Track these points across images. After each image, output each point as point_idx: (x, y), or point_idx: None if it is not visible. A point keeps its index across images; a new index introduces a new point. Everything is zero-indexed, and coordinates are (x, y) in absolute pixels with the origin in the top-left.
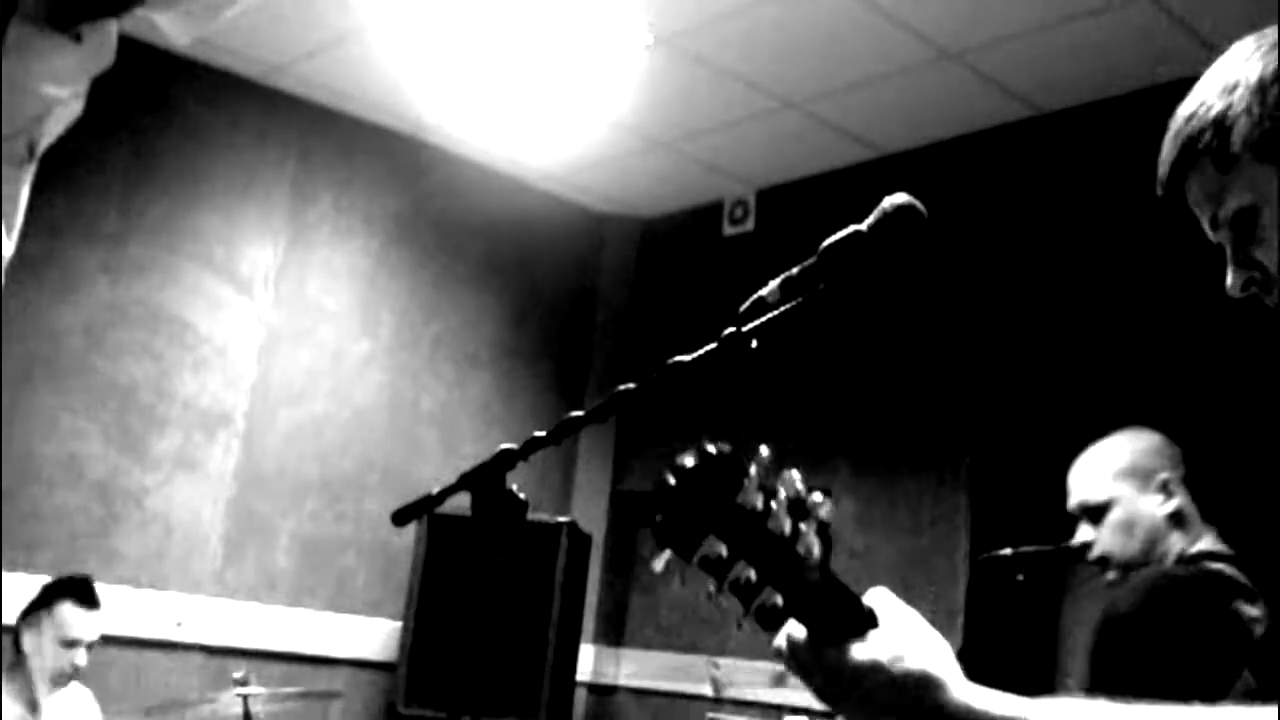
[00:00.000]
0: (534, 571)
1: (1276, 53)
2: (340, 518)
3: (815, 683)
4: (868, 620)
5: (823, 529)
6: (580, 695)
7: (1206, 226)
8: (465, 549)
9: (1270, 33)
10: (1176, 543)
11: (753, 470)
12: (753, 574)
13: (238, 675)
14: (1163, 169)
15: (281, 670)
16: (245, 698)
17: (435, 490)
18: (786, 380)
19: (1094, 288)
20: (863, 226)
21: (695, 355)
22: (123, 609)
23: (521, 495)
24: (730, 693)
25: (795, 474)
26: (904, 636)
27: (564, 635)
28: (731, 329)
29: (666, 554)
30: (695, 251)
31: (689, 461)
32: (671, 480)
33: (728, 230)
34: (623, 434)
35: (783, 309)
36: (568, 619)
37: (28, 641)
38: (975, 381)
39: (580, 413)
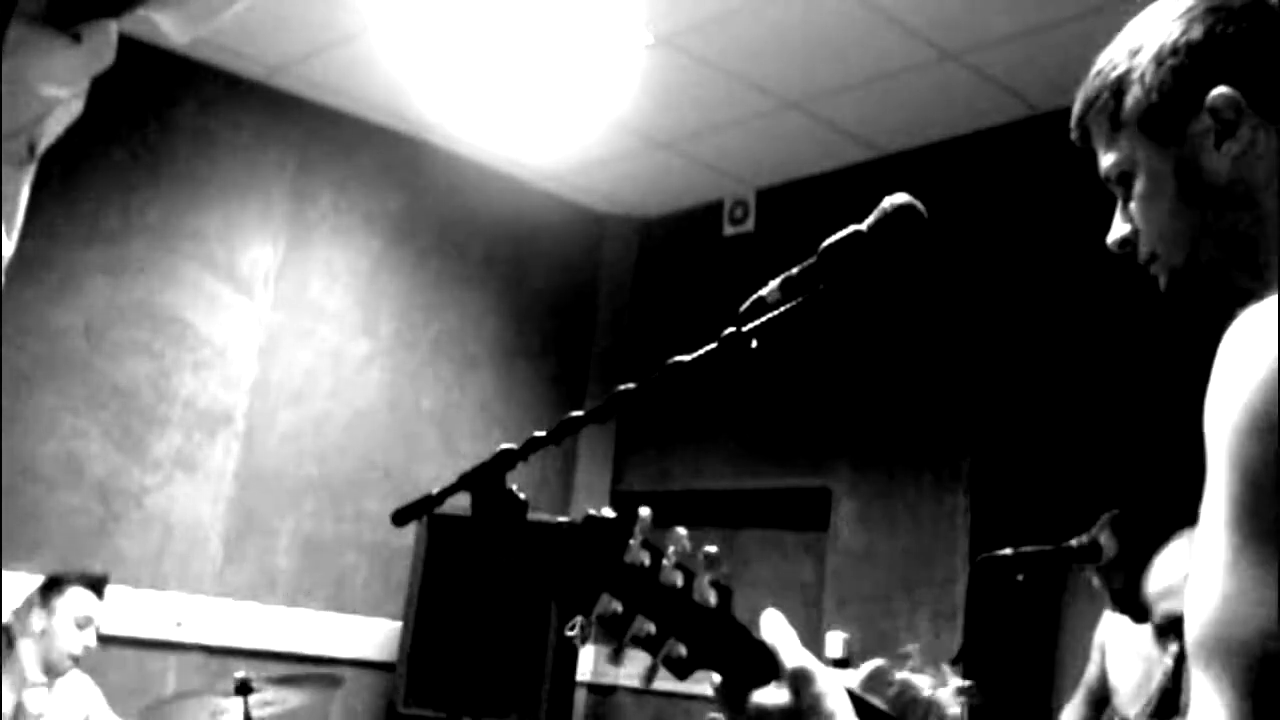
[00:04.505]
0: (534, 571)
1: (1188, 20)
2: (340, 518)
3: None
4: (771, 665)
5: (716, 579)
6: (580, 695)
7: (1103, 176)
8: (465, 549)
9: None
10: None
11: (636, 530)
12: (653, 627)
13: (238, 675)
14: (1073, 115)
15: (281, 670)
16: (246, 698)
17: (435, 490)
18: (786, 380)
19: (1094, 287)
20: (863, 226)
21: (695, 355)
22: (123, 609)
23: (521, 495)
24: None
25: (682, 530)
26: (814, 682)
27: (564, 635)
28: (731, 329)
29: (579, 620)
30: (695, 251)
31: (574, 527)
32: (557, 547)
33: (728, 230)
34: (623, 434)
35: (783, 309)
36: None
37: (40, 621)
38: (975, 381)
39: (580, 413)
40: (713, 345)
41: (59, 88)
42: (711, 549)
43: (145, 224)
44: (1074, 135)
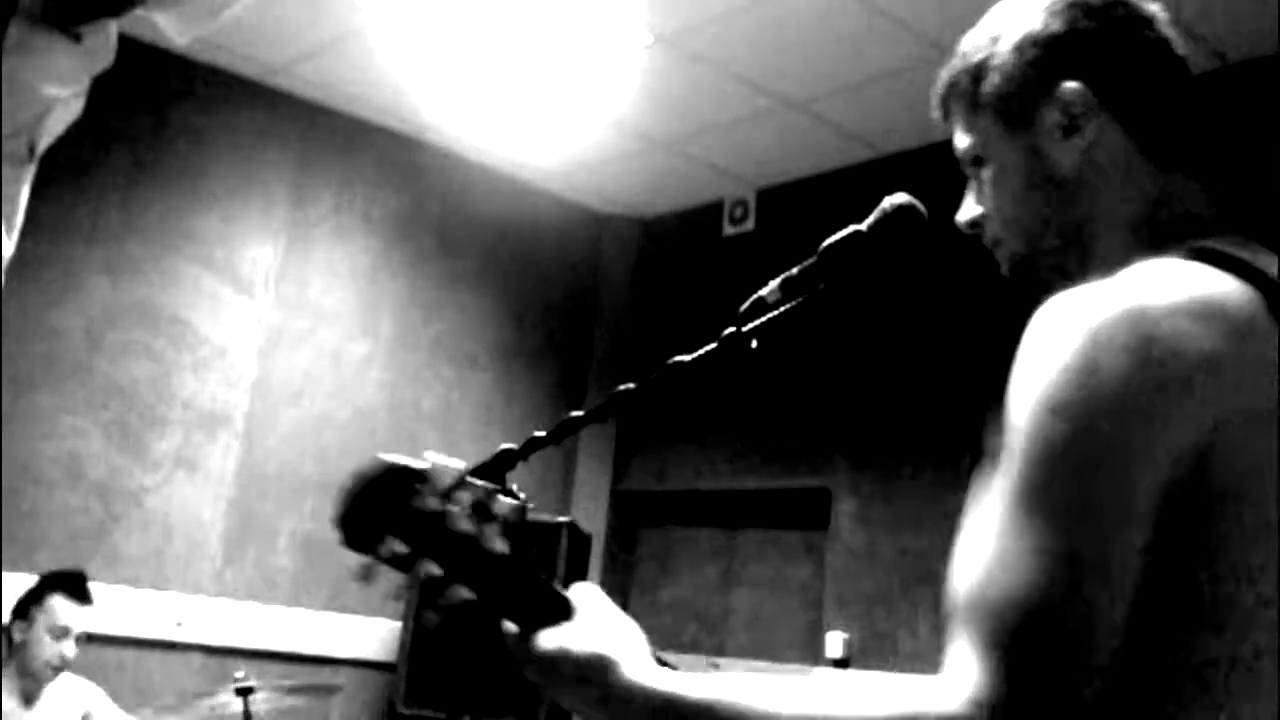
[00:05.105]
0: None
1: (1050, 12)
2: None
3: (527, 671)
4: (565, 612)
5: (512, 528)
6: None
7: (958, 157)
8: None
9: None
10: None
11: (429, 477)
12: (438, 570)
13: (238, 675)
14: (936, 94)
15: (281, 670)
16: (245, 697)
17: None
18: (786, 380)
19: None
20: (863, 226)
21: (695, 355)
22: (123, 609)
23: (521, 495)
24: None
25: (481, 481)
26: (590, 623)
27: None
28: (731, 329)
29: (366, 563)
30: (695, 251)
31: (363, 471)
32: (348, 488)
33: (728, 230)
34: (623, 434)
35: (783, 309)
36: None
37: (19, 632)
38: (975, 381)
39: (580, 413)
40: (713, 345)
41: (59, 88)
42: (511, 501)
43: (145, 224)
44: (937, 115)
